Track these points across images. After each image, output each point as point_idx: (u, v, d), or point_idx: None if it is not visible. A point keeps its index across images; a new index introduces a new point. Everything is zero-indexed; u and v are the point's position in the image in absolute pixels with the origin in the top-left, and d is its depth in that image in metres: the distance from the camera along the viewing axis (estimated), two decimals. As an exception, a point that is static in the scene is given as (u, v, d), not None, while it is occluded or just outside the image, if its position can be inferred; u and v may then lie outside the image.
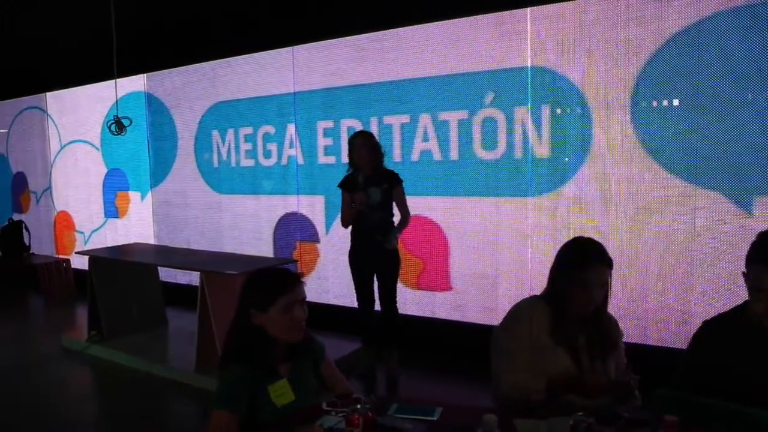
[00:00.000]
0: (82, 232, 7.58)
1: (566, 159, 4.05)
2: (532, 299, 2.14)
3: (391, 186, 4.09)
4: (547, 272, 2.12)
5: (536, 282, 4.09)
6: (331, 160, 5.16)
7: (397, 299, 4.22)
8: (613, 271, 2.02)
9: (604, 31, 3.83)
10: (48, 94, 7.75)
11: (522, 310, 2.08)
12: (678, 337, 3.72)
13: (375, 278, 4.19)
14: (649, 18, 3.67)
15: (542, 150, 4.13)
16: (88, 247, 7.10)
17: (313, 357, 2.01)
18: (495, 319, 4.35)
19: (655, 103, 3.72)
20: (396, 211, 4.18)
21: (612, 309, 2.13)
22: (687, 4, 3.54)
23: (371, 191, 4.03)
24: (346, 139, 4.98)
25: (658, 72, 3.67)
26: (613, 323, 2.09)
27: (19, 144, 8.36)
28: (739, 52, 3.42)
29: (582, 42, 3.91)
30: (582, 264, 1.97)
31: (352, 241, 4.20)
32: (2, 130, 8.51)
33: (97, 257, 5.10)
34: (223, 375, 1.85)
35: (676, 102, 3.66)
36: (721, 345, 1.85)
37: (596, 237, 2.09)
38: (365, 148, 4.03)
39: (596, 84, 3.89)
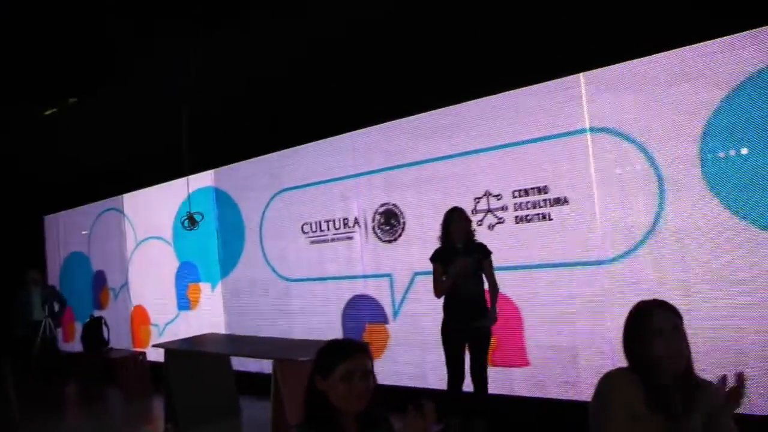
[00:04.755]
0: (156, 325, 7.79)
1: (633, 220, 3.91)
2: (621, 370, 2.03)
3: (482, 257, 4.17)
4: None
5: (620, 352, 3.86)
6: (396, 239, 5.18)
7: (488, 372, 4.17)
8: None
9: (663, 87, 3.77)
10: (124, 195, 8.23)
11: (614, 381, 1.97)
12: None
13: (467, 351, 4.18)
14: (707, 69, 3.61)
15: (612, 214, 4.02)
16: (162, 339, 7.26)
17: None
18: (577, 394, 4.11)
19: (722, 155, 3.58)
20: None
21: (711, 378, 1.97)
22: (749, 51, 3.47)
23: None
24: (410, 218, 5.03)
25: (726, 123, 3.56)
26: (706, 387, 1.92)
27: (99, 244, 8.84)
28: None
29: (641, 99, 3.87)
30: (646, 314, 1.96)
31: (445, 313, 4.21)
32: (84, 232, 9.04)
33: (171, 349, 5.20)
34: None
35: (744, 151, 3.52)
36: None
37: (678, 299, 1.99)
38: (463, 222, 4.19)
39: (661, 140, 3.80)
